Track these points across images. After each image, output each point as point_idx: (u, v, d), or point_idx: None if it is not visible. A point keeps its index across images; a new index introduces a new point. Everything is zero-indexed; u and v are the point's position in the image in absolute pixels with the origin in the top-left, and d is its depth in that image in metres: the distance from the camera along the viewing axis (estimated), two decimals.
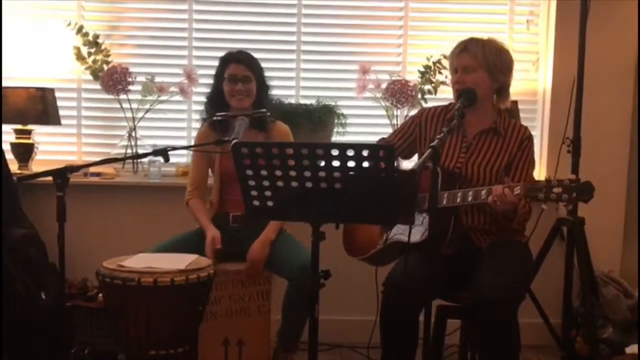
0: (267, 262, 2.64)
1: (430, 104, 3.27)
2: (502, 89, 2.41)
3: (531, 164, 2.37)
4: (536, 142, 3.38)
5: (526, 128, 2.42)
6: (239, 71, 2.68)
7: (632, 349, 2.88)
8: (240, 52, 2.75)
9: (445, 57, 3.28)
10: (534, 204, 2.21)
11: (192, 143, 3.16)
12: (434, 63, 3.29)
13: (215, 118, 2.61)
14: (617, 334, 3.02)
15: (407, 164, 2.15)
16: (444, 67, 3.29)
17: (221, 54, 2.98)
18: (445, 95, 3.25)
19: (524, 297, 2.33)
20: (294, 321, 2.60)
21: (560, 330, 3.06)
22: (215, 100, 2.74)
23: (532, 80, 3.42)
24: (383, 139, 2.62)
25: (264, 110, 2.65)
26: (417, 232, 2.26)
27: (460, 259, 2.34)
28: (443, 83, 3.30)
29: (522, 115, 3.27)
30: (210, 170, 2.82)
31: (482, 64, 2.32)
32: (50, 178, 2.09)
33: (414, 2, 3.41)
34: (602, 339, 3.01)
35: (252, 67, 2.71)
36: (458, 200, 2.22)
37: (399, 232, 2.31)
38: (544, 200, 2.05)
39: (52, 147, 3.38)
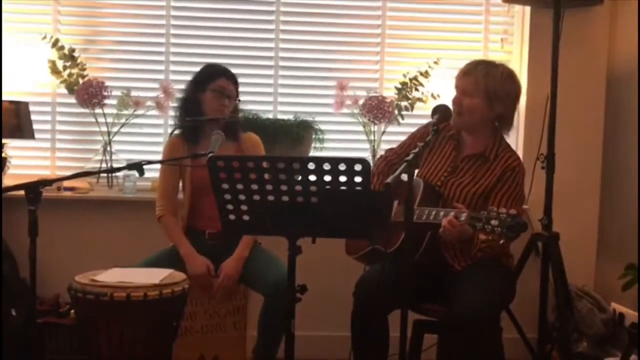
0: (243, 277, 2.62)
1: (407, 121, 3.33)
2: (504, 117, 2.39)
3: (514, 196, 2.32)
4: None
5: (516, 158, 2.38)
6: (229, 87, 2.71)
7: None
8: (228, 69, 2.76)
9: (421, 74, 3.33)
10: None
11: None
12: (411, 80, 3.33)
13: (186, 123, 2.60)
14: (591, 348, 3.05)
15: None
16: (420, 84, 3.33)
17: (198, 68, 2.97)
18: (422, 111, 3.28)
19: (498, 314, 2.34)
20: (270, 337, 2.58)
21: (536, 345, 3.07)
22: (191, 107, 2.72)
23: None
24: (391, 148, 2.66)
25: (235, 116, 2.68)
26: (396, 241, 2.30)
27: (435, 271, 2.35)
28: (419, 100, 3.33)
29: None
30: (181, 182, 2.80)
31: (481, 91, 2.32)
32: (22, 192, 2.05)
33: (391, 20, 3.45)
34: (576, 353, 3.03)
35: (236, 87, 2.75)
36: (424, 217, 2.24)
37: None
38: (482, 231, 2.07)
39: (26, 162, 3.33)
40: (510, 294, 2.42)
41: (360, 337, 2.35)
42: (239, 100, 2.80)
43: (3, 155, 3.16)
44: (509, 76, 2.38)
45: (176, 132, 2.80)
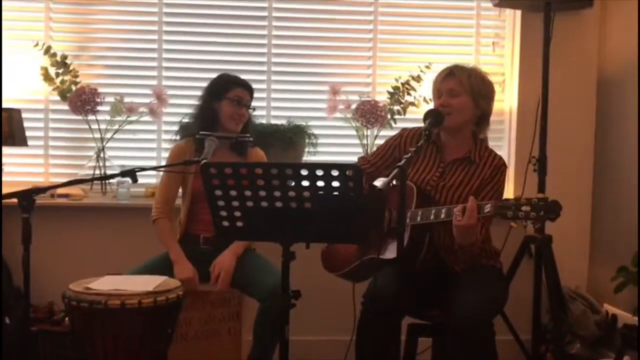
0: (238, 283, 2.62)
1: (399, 125, 3.34)
2: (483, 117, 2.45)
3: (499, 192, 2.38)
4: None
5: (500, 158, 2.44)
6: (246, 97, 2.74)
7: None
8: (243, 79, 2.79)
9: (413, 78, 3.34)
10: (501, 223, 2.25)
11: (163, 162, 3.15)
12: (403, 84, 3.34)
13: (198, 136, 2.58)
14: (585, 350, 3.06)
15: (378, 182, 2.17)
16: (412, 88, 3.34)
17: (191, 74, 2.99)
18: (415, 115, 3.30)
19: (495, 317, 2.36)
20: (265, 342, 2.58)
21: (530, 347, 3.09)
22: (205, 118, 2.71)
23: (499, 100, 3.46)
24: (363, 157, 2.64)
25: (247, 135, 2.68)
26: (394, 247, 2.28)
27: (433, 276, 2.36)
28: (412, 104, 3.35)
29: (488, 135, 3.31)
30: (181, 188, 2.80)
31: (467, 89, 2.37)
32: (15, 200, 2.05)
33: (383, 25, 3.47)
34: (570, 355, 3.05)
35: (252, 95, 2.79)
36: (432, 217, 2.24)
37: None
38: (512, 218, 2.08)
39: (19, 169, 3.32)
40: (506, 297, 2.44)
41: (370, 346, 2.31)
42: (254, 109, 2.82)
43: None
44: (486, 76, 2.46)
45: (184, 138, 2.79)
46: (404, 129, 2.59)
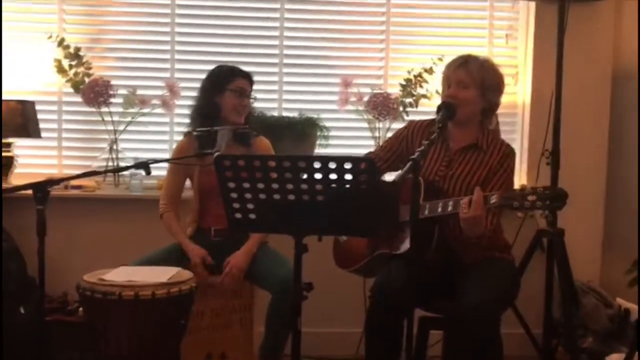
0: (250, 275, 2.63)
1: (411, 117, 3.32)
2: (490, 109, 2.44)
3: (509, 180, 2.38)
4: (516, 154, 3.42)
5: (508, 145, 2.43)
6: (247, 87, 2.72)
7: (612, 358, 2.91)
8: (242, 69, 2.77)
9: (426, 70, 3.32)
10: (513, 216, 2.24)
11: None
12: (415, 76, 3.33)
13: (196, 133, 2.59)
14: (597, 344, 3.05)
15: (389, 176, 2.17)
16: (425, 81, 3.33)
17: (204, 66, 2.98)
18: (427, 108, 3.28)
19: (506, 310, 2.35)
20: (277, 334, 2.59)
21: (541, 340, 3.08)
22: (207, 112, 2.70)
23: (512, 93, 3.47)
24: (371, 152, 2.63)
25: (246, 126, 2.66)
26: (406, 241, 2.29)
27: (444, 268, 2.36)
28: (424, 96, 3.33)
29: (502, 128, 3.31)
30: (190, 183, 2.82)
31: (477, 82, 2.36)
32: (30, 191, 2.06)
33: (396, 17, 3.45)
34: (582, 349, 3.04)
35: (252, 84, 2.76)
36: (439, 210, 2.24)
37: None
38: (519, 208, 2.07)
39: (33, 160, 3.35)
40: (516, 292, 2.43)
41: (378, 338, 2.33)
42: (254, 98, 2.81)
43: (10, 154, 3.19)
44: (495, 67, 2.44)
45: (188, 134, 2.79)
46: (410, 122, 2.58)
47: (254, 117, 2.89)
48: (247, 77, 2.74)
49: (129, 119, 3.28)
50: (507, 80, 3.37)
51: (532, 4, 3.36)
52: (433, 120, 2.49)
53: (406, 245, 2.27)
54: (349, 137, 3.45)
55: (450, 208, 2.21)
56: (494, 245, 2.39)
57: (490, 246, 2.36)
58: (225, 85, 2.70)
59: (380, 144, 3.34)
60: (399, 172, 1.96)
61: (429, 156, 2.43)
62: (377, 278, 2.36)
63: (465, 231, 2.17)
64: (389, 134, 3.35)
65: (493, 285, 2.24)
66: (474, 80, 2.36)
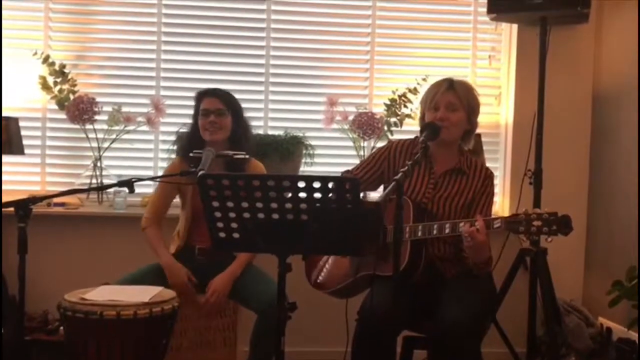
0: (234, 294, 2.62)
1: (396, 136, 3.35)
2: (471, 130, 2.49)
3: (491, 202, 2.46)
4: (499, 174, 3.47)
5: (487, 168, 2.51)
6: (212, 104, 2.68)
7: None
8: (217, 88, 2.76)
9: (410, 90, 3.36)
10: (493, 235, 2.27)
11: (160, 172, 3.15)
12: (400, 96, 3.36)
13: (192, 155, 2.56)
14: None
15: (374, 196, 2.19)
16: (409, 101, 3.36)
17: (189, 84, 2.99)
18: (411, 127, 3.31)
19: (488, 328, 2.36)
20: (262, 353, 2.57)
21: (525, 359, 3.09)
22: (192, 138, 2.72)
23: (495, 114, 3.52)
24: (348, 171, 2.63)
25: (243, 152, 2.62)
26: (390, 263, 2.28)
27: (427, 288, 2.36)
28: (408, 116, 3.36)
29: (485, 147, 3.35)
30: (180, 202, 2.81)
31: (464, 105, 2.40)
32: (12, 209, 2.04)
33: (380, 37, 3.49)
34: None
35: (226, 101, 2.71)
36: (435, 232, 2.25)
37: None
38: (525, 233, 2.13)
39: (15, 177, 3.32)
40: (493, 307, 2.45)
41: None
42: (247, 124, 2.77)
43: None
44: (475, 89, 2.51)
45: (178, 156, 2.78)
46: (390, 142, 2.60)
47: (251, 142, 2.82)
48: (213, 94, 2.71)
49: (113, 136, 3.28)
50: (490, 100, 3.46)
51: (515, 27, 3.42)
52: (413, 140, 2.51)
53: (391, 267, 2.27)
54: (334, 156, 3.46)
55: (447, 230, 2.23)
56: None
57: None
58: (198, 109, 2.72)
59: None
60: (383, 193, 1.97)
61: (414, 178, 2.45)
62: (365, 301, 2.33)
63: (472, 258, 2.23)
64: None
65: (471, 300, 2.25)
66: (462, 104, 2.39)
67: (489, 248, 2.24)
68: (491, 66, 3.53)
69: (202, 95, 2.73)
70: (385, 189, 2.46)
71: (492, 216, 2.17)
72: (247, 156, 2.63)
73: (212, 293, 2.58)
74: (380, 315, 2.19)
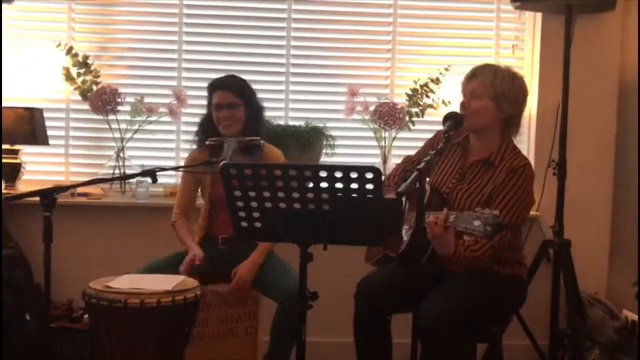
0: (256, 283, 2.63)
1: (417, 127, 3.33)
2: (510, 119, 2.36)
3: (516, 199, 2.24)
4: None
5: (521, 160, 2.31)
6: (224, 99, 2.67)
7: None
8: (227, 78, 2.75)
9: (432, 80, 3.33)
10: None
11: (182, 162, 3.17)
12: (421, 86, 3.33)
13: (207, 143, 2.58)
14: (603, 356, 3.03)
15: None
16: (431, 91, 3.33)
17: (211, 75, 2.98)
18: (433, 118, 3.29)
19: (461, 324, 2.20)
20: (283, 343, 2.59)
21: (548, 352, 3.06)
22: (206, 126, 2.74)
23: None
24: (409, 157, 2.65)
25: (256, 137, 2.61)
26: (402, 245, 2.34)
27: (435, 276, 2.32)
28: (430, 106, 3.33)
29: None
30: (200, 192, 2.82)
31: (490, 92, 2.30)
32: (37, 198, 2.07)
33: (402, 27, 3.46)
34: None
35: (238, 92, 2.69)
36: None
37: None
38: (464, 231, 2.02)
39: (40, 167, 3.37)
40: (497, 302, 2.36)
41: (362, 339, 2.42)
42: (260, 110, 2.77)
43: (18, 161, 3.20)
44: (515, 78, 2.36)
45: (197, 147, 2.80)
46: (438, 131, 2.52)
47: (266, 127, 2.85)
48: (224, 86, 2.69)
49: (136, 126, 3.30)
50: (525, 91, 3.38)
51: (539, 15, 3.37)
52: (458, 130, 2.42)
53: (402, 248, 2.31)
54: (355, 146, 3.45)
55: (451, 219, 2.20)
56: (496, 259, 2.30)
57: (492, 260, 2.27)
58: (210, 101, 2.73)
59: (386, 153, 3.35)
60: (405, 182, 1.95)
61: (447, 165, 2.44)
62: (363, 278, 2.45)
63: (437, 251, 2.15)
64: (395, 144, 3.37)
65: (457, 296, 2.20)
66: (486, 90, 2.31)
67: (451, 245, 2.10)
68: (514, 55, 3.48)
69: (213, 88, 2.73)
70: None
71: (485, 210, 1.96)
72: (262, 142, 2.62)
73: (237, 281, 2.59)
74: (370, 294, 2.34)
